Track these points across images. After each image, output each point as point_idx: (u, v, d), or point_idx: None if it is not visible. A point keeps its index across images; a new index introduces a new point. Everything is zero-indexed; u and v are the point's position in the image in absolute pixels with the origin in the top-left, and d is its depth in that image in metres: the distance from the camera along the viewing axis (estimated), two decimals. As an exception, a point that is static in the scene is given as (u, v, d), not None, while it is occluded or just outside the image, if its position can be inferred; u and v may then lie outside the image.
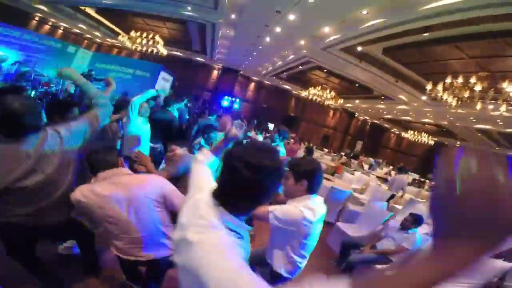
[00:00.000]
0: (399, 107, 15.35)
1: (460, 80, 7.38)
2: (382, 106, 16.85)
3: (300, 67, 13.51)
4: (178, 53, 17.12)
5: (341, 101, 15.87)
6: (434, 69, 8.28)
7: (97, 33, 15.84)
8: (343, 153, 16.62)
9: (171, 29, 13.19)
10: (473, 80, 7.23)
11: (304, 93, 16.66)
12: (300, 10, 6.98)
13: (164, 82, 13.81)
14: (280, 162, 0.89)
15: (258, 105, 19.92)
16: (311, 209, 1.51)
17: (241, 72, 18.23)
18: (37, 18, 13.56)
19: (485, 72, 7.02)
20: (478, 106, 8.45)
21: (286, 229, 1.50)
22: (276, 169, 0.86)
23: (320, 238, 3.69)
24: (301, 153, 9.19)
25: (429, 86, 8.20)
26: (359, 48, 8.51)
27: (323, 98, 15.61)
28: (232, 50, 13.30)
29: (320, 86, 15.33)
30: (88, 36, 16.85)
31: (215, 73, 18.60)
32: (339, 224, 4.10)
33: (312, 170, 1.59)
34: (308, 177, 1.57)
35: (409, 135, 19.80)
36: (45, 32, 13.70)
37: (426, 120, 16.70)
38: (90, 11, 12.12)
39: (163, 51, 13.10)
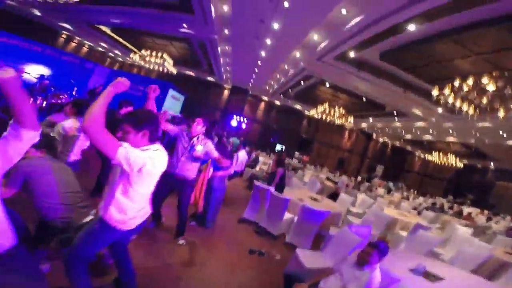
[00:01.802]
0: (417, 124, 14.11)
1: (470, 81, 6.49)
2: (399, 124, 15.64)
3: (302, 82, 13.14)
4: (189, 73, 17.78)
5: (351, 119, 15.01)
6: (440, 72, 7.44)
7: (117, 52, 16.99)
8: (359, 177, 15.43)
9: (178, 48, 13.79)
10: (484, 80, 6.31)
11: (312, 112, 16.10)
12: (281, 17, 6.79)
13: (174, 101, 14.13)
14: None
15: (268, 126, 19.60)
16: (153, 158, 1.54)
17: (250, 91, 18.29)
18: (64, 36, 14.94)
19: (498, 70, 6.07)
20: (501, 113, 7.35)
21: (125, 169, 1.48)
22: None
23: (280, 266, 3.37)
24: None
25: (435, 92, 7.34)
26: (353, 54, 7.99)
27: (332, 116, 14.92)
28: (234, 67, 13.44)
29: (327, 103, 14.73)
30: (111, 54, 18.10)
31: (226, 93, 18.87)
32: (298, 251, 3.25)
33: (151, 117, 1.63)
34: (149, 126, 1.59)
35: (434, 157, 17.96)
36: (71, 49, 15.10)
37: (451, 139, 15.08)
38: (106, 29, 13.09)
39: (172, 69, 13.61)
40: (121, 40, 14.56)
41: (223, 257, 3.29)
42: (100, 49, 17.05)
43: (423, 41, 6.20)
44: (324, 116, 15.11)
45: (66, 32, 14.80)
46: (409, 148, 22.79)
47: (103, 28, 12.97)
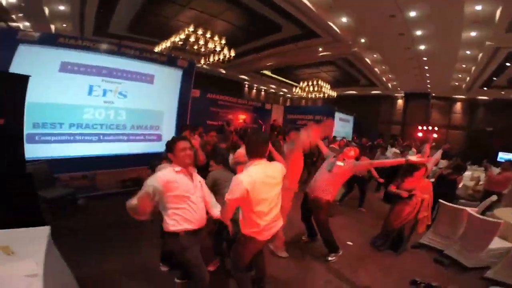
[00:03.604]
0: None
1: None
2: None
3: (508, 63, 9.18)
4: (352, 92, 17.45)
5: None
6: None
7: (284, 90, 19.66)
8: None
9: (328, 71, 14.17)
10: None
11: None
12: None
13: (343, 123, 14.41)
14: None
15: (476, 130, 14.59)
16: (249, 175, 1.71)
17: (432, 93, 14.95)
18: (246, 86, 18.40)
19: None
20: None
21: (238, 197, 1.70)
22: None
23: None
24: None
25: None
26: None
27: None
28: (396, 72, 11.99)
29: None
30: (281, 93, 21.00)
31: (399, 102, 16.58)
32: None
33: (245, 135, 1.98)
34: (246, 145, 1.82)
35: None
36: (253, 96, 18.62)
37: None
38: (268, 72, 15.66)
39: (331, 92, 14.28)
40: (281, 78, 16.74)
41: (371, 284, 2.73)
42: (272, 90, 20.14)
43: None
44: None
45: (246, 83, 17.70)
46: None
47: (266, 72, 15.63)
